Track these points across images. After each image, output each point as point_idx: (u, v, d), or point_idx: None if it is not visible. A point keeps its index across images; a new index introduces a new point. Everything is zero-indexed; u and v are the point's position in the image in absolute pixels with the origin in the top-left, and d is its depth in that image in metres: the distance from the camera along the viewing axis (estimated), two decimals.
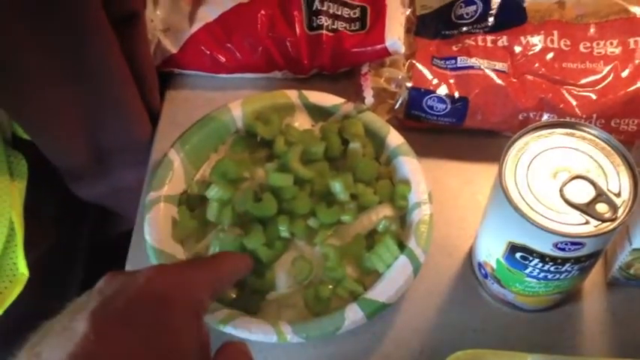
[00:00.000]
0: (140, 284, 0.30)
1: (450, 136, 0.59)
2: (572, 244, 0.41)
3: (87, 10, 0.45)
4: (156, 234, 0.49)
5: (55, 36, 0.45)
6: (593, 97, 0.55)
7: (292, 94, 0.57)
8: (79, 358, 0.26)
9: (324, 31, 0.61)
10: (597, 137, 0.43)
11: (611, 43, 0.57)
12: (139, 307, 0.29)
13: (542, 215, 0.41)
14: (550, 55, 0.57)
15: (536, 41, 0.58)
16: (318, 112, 0.57)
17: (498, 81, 0.56)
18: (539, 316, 0.51)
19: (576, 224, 0.40)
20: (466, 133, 0.59)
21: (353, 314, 0.46)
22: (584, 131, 0.44)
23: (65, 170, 0.58)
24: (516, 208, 0.41)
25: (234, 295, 0.49)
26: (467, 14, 0.60)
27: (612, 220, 0.40)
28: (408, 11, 0.62)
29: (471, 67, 0.57)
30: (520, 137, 0.44)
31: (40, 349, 0.27)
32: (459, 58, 0.57)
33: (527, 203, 0.41)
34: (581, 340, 0.50)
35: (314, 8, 0.62)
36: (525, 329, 0.50)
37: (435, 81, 0.57)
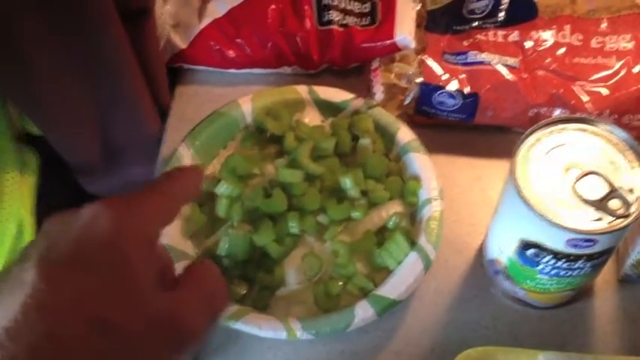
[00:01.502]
0: (85, 222, 0.28)
1: (461, 131, 0.59)
2: (585, 240, 0.40)
3: (98, 6, 0.45)
4: (165, 229, 0.49)
5: (65, 32, 0.45)
6: (606, 92, 0.54)
7: (302, 90, 0.56)
8: (31, 308, 0.25)
9: (335, 26, 0.61)
10: (610, 133, 0.43)
11: (624, 38, 0.56)
12: (86, 247, 0.27)
13: (554, 212, 0.40)
14: (561, 51, 0.56)
15: (548, 36, 0.57)
16: (328, 108, 0.56)
17: (509, 76, 0.56)
18: (551, 314, 0.51)
19: (589, 221, 0.40)
20: (477, 129, 0.58)
21: (363, 311, 0.46)
22: (597, 127, 0.43)
23: (76, 165, 0.59)
24: (529, 205, 0.40)
25: (243, 292, 0.48)
26: (478, 9, 0.60)
27: (625, 216, 0.40)
28: (419, 6, 0.62)
29: (482, 63, 0.56)
30: (532, 133, 0.43)
31: None
32: (469, 54, 0.57)
33: (539, 199, 0.41)
34: (592, 338, 0.50)
35: (324, 3, 0.61)
36: (536, 326, 0.50)
37: (446, 76, 0.56)
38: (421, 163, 0.52)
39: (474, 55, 0.57)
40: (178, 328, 0.28)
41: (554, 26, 0.57)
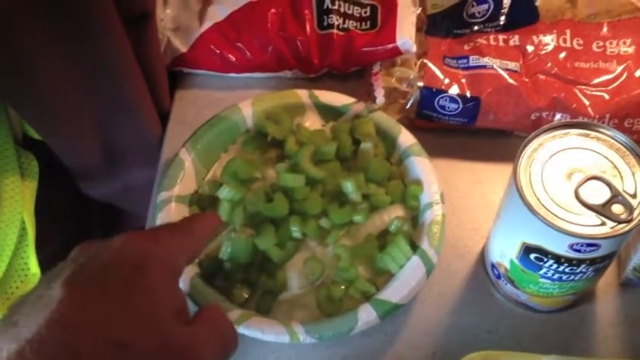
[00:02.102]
0: (114, 249, 0.30)
1: (462, 136, 0.59)
2: (588, 245, 0.40)
3: (99, 10, 0.45)
4: None
5: (66, 36, 0.45)
6: (607, 96, 0.55)
7: (303, 94, 0.56)
8: (55, 324, 0.26)
9: (335, 30, 0.61)
10: (612, 138, 0.43)
11: (625, 43, 0.56)
12: (114, 271, 0.29)
13: (557, 216, 0.40)
14: (562, 55, 0.57)
15: (549, 40, 0.57)
16: (328, 112, 0.56)
17: (510, 80, 0.56)
18: (553, 317, 0.51)
19: (592, 225, 0.40)
20: (478, 133, 0.59)
21: (366, 315, 0.46)
22: (599, 132, 0.43)
23: (76, 170, 0.58)
24: (531, 209, 0.40)
25: (246, 296, 0.48)
26: (478, 13, 0.60)
27: (628, 221, 0.40)
28: (419, 10, 0.62)
29: (483, 67, 0.56)
30: (535, 137, 0.43)
31: (16, 318, 0.27)
32: (470, 58, 0.57)
33: (542, 204, 0.41)
34: (594, 341, 0.50)
35: (325, 7, 0.61)
36: (539, 330, 0.50)
37: (447, 80, 0.56)
38: (422, 167, 0.52)
39: (475, 59, 0.57)
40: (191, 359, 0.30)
41: (555, 30, 0.58)
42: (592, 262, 0.42)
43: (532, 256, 0.44)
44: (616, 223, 0.40)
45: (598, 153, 0.43)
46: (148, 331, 0.28)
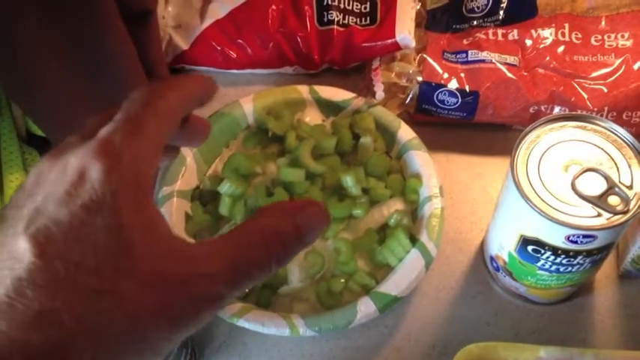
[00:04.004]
0: (73, 180, 0.26)
1: (461, 129, 0.59)
2: (585, 236, 0.41)
3: (101, 9, 0.45)
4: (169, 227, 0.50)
5: (68, 33, 0.45)
6: (605, 89, 0.55)
7: (303, 89, 0.57)
8: (24, 284, 0.23)
9: (335, 26, 0.61)
10: (609, 130, 0.43)
11: (623, 36, 0.57)
12: (77, 213, 0.25)
13: (554, 208, 0.41)
14: (561, 49, 0.57)
15: (547, 34, 0.58)
16: (328, 107, 0.57)
17: (509, 74, 0.56)
18: (551, 309, 0.51)
19: (588, 217, 0.40)
20: (477, 126, 0.59)
21: (365, 308, 0.46)
22: (596, 124, 0.44)
23: None
24: (528, 201, 0.41)
25: (246, 290, 0.49)
26: (477, 8, 0.60)
27: (624, 212, 0.40)
28: (419, 5, 0.62)
29: (482, 61, 0.57)
30: (532, 130, 0.44)
31: None
32: (469, 52, 0.57)
33: (539, 196, 0.41)
34: (593, 333, 0.50)
35: (325, 3, 0.62)
36: (537, 322, 0.51)
37: (446, 75, 0.57)
38: (422, 160, 0.53)
39: (473, 54, 0.57)
40: (185, 294, 0.26)
41: (554, 24, 0.58)
42: (589, 253, 0.42)
43: (530, 248, 0.44)
44: (612, 215, 0.40)
45: (594, 145, 0.43)
46: (123, 273, 0.25)
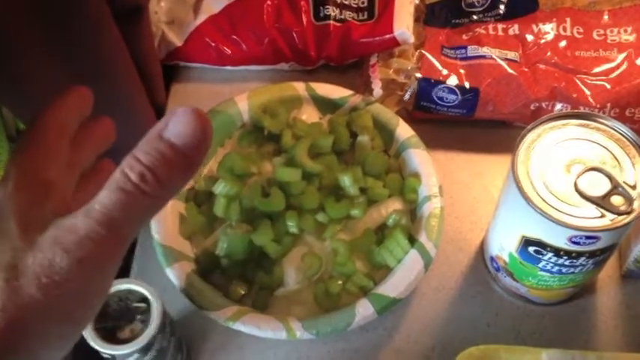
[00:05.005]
0: None
1: (461, 127, 0.58)
2: (587, 237, 0.40)
3: (91, 5, 0.44)
4: (163, 230, 0.49)
5: (57, 32, 0.44)
6: (607, 85, 0.54)
7: (299, 87, 0.56)
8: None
9: (332, 22, 0.60)
10: (612, 128, 0.42)
11: (625, 31, 0.56)
12: None
13: (556, 209, 0.40)
14: (562, 44, 0.56)
15: (548, 29, 0.56)
16: (325, 105, 0.56)
17: (510, 70, 0.55)
18: (553, 310, 0.50)
19: (591, 217, 0.39)
20: (477, 124, 0.58)
21: (364, 309, 0.45)
22: (599, 122, 0.43)
23: None
24: (530, 202, 0.40)
25: (243, 292, 0.48)
26: (477, 2, 0.59)
27: (628, 213, 0.39)
28: (417, 0, 0.61)
29: (482, 57, 0.56)
30: (533, 128, 0.43)
31: None
32: (469, 48, 0.56)
33: (540, 196, 0.40)
34: (595, 334, 0.49)
35: None
36: (538, 323, 0.50)
37: (445, 71, 0.56)
38: (421, 159, 0.52)
39: (473, 49, 0.56)
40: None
41: (555, 19, 0.57)
42: (592, 254, 0.42)
43: (531, 249, 0.43)
44: (616, 215, 0.39)
45: (597, 144, 0.42)
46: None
